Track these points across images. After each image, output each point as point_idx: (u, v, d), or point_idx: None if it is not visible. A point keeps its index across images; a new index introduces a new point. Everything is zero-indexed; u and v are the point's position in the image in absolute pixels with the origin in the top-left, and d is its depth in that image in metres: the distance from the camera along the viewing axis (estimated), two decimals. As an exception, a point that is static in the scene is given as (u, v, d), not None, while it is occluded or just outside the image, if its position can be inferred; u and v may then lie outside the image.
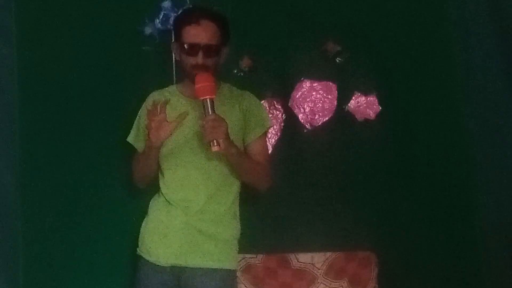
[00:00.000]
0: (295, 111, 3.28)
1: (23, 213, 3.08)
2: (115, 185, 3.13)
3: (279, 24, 3.28)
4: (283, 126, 3.28)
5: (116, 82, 2.99)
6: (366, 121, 3.29)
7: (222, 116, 2.70)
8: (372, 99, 3.29)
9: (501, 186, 3.25)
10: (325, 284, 3.14)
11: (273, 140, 3.26)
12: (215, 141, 2.67)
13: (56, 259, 3.08)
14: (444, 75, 3.35)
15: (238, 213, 2.90)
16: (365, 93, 3.29)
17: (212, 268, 2.78)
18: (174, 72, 3.00)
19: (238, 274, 3.08)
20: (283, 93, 3.29)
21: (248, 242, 3.16)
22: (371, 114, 3.29)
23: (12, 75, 3.10)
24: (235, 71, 3.24)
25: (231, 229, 2.86)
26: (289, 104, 3.28)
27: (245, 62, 3.23)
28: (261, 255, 3.16)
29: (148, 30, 3.18)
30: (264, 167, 2.90)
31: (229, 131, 2.71)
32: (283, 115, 3.28)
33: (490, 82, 3.27)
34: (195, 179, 2.81)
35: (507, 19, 3.16)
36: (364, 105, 3.29)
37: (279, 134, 3.27)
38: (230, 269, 2.83)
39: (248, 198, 3.07)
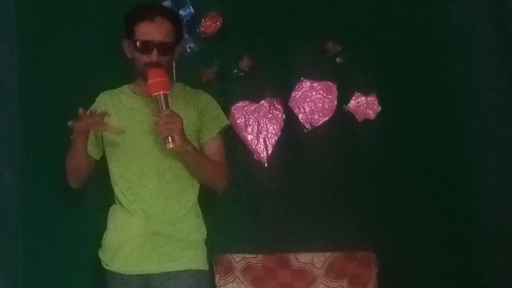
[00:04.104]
0: (295, 111, 3.28)
1: (23, 213, 3.08)
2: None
3: (279, 24, 3.28)
4: (283, 126, 3.27)
5: (117, 82, 2.98)
6: (366, 121, 3.29)
7: (177, 112, 2.60)
8: (372, 99, 3.29)
9: (501, 186, 3.25)
10: (325, 284, 3.13)
11: (273, 140, 3.26)
12: (170, 137, 2.57)
13: (56, 259, 3.08)
14: (444, 75, 3.35)
15: (200, 213, 2.82)
16: (365, 93, 3.29)
17: (177, 271, 2.71)
18: (173, 72, 2.99)
19: (238, 274, 3.09)
20: (283, 93, 3.29)
21: (248, 242, 3.17)
22: (371, 114, 3.29)
23: (12, 75, 3.11)
24: (235, 71, 3.24)
25: (194, 230, 2.78)
26: (289, 104, 3.28)
27: (245, 62, 3.23)
28: (261, 255, 3.15)
29: (148, 30, 3.17)
30: (221, 167, 2.82)
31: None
32: (283, 115, 3.28)
33: (490, 82, 3.27)
34: (150, 181, 2.72)
35: (507, 19, 3.16)
36: (364, 105, 3.29)
37: (279, 134, 3.27)
38: (197, 270, 2.75)
39: (248, 198, 3.06)
